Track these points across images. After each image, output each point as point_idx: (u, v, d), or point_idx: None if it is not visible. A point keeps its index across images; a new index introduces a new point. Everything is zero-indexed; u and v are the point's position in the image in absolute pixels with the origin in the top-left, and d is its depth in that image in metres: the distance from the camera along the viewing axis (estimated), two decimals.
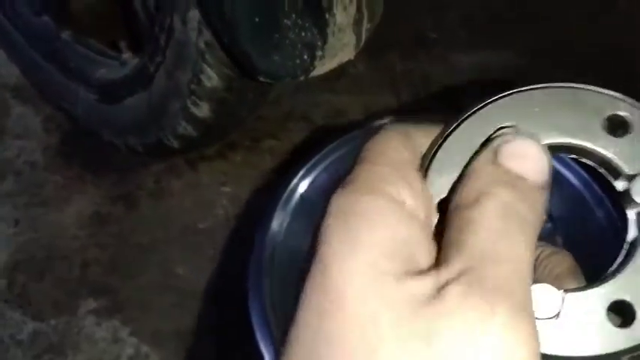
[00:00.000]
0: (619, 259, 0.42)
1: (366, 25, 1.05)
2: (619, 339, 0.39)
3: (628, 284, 0.40)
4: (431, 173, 0.42)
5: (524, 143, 0.40)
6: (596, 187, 1.18)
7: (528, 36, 1.61)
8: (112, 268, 1.39)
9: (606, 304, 0.39)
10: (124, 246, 1.41)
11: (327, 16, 0.98)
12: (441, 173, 0.42)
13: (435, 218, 0.41)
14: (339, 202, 0.38)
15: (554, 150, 0.43)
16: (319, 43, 1.00)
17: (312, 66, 1.02)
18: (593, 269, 0.44)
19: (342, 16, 1.00)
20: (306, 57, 1.00)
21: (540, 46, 1.58)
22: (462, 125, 0.43)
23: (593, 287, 0.40)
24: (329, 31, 1.00)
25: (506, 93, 0.43)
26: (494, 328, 0.33)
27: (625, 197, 0.43)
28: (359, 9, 1.02)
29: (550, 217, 1.14)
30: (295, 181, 1.18)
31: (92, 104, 1.37)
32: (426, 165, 0.43)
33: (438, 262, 0.37)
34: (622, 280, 0.40)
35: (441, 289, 0.34)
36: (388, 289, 0.35)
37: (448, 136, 0.43)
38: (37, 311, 1.34)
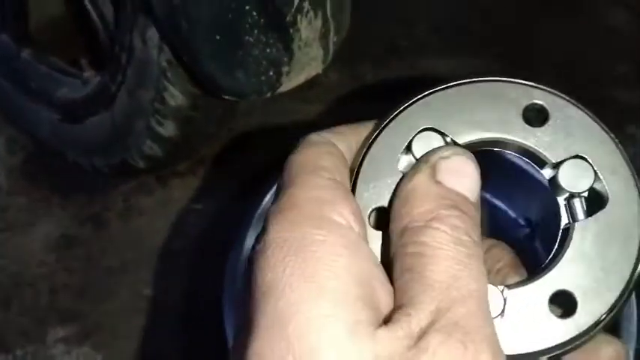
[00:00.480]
0: (555, 248, 0.42)
1: (333, 39, 1.03)
2: (564, 329, 0.39)
3: (565, 273, 0.40)
4: (359, 184, 0.42)
5: (460, 160, 0.40)
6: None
7: (497, 45, 1.61)
8: (82, 292, 1.35)
9: (547, 297, 0.39)
10: (93, 269, 1.37)
11: (291, 30, 0.95)
12: (368, 183, 0.42)
13: (366, 231, 0.40)
14: (283, 234, 0.36)
15: (477, 146, 0.42)
16: (285, 59, 0.98)
17: (278, 82, 0.99)
18: None
19: (307, 30, 0.98)
20: (271, 73, 0.97)
21: (510, 54, 1.59)
22: (384, 132, 0.43)
23: (533, 281, 0.40)
24: (294, 46, 0.97)
25: (423, 94, 0.43)
26: None
27: (553, 185, 0.43)
28: (325, 22, 0.99)
29: (528, 222, 1.12)
30: (269, 196, 1.15)
31: (55, 124, 1.33)
32: (353, 177, 0.42)
33: (400, 298, 0.36)
34: (559, 270, 0.40)
35: (418, 339, 0.33)
36: (365, 346, 0.33)
37: (371, 144, 0.42)
38: (1, 341, 1.29)
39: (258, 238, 0.38)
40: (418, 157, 0.42)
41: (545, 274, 0.40)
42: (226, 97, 0.97)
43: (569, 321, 0.39)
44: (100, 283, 1.35)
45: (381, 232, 0.41)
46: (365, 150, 0.43)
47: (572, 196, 0.42)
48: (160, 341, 1.30)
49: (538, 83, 0.43)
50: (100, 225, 1.42)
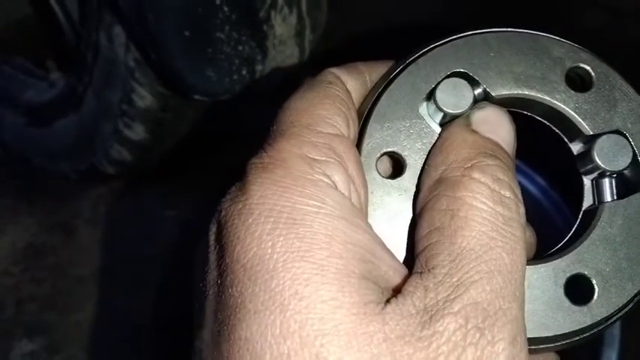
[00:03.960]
0: (574, 229, 0.38)
1: (309, 36, 0.99)
2: (578, 317, 0.36)
3: (586, 257, 0.36)
4: (371, 122, 0.37)
5: (496, 111, 0.37)
6: (553, 193, 1.16)
7: None
8: (49, 304, 1.29)
9: (564, 279, 0.36)
10: (61, 279, 1.32)
11: (265, 27, 0.91)
12: (383, 123, 0.37)
13: (373, 177, 0.36)
14: (268, 200, 0.32)
15: (509, 104, 0.38)
16: (259, 57, 0.94)
17: (251, 81, 0.95)
18: None
19: (281, 28, 0.94)
20: (244, 72, 0.93)
21: None
22: (407, 70, 0.38)
23: (549, 260, 0.36)
24: (268, 43, 0.94)
25: (457, 35, 0.39)
26: None
27: (582, 161, 0.39)
28: (300, 19, 0.96)
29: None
30: None
31: (20, 129, 1.28)
32: (366, 113, 0.38)
33: (422, 263, 0.32)
34: (580, 252, 0.36)
35: (432, 316, 0.30)
36: (374, 328, 0.30)
37: (391, 81, 0.38)
38: None
39: (234, 194, 0.33)
40: (442, 104, 0.37)
41: (564, 255, 0.37)
42: (197, 97, 0.92)
43: (584, 309, 0.36)
44: (69, 293, 1.30)
45: (390, 181, 0.37)
46: (383, 87, 0.38)
47: (601, 174, 0.38)
48: (133, 353, 1.25)
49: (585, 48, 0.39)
50: (68, 233, 1.37)
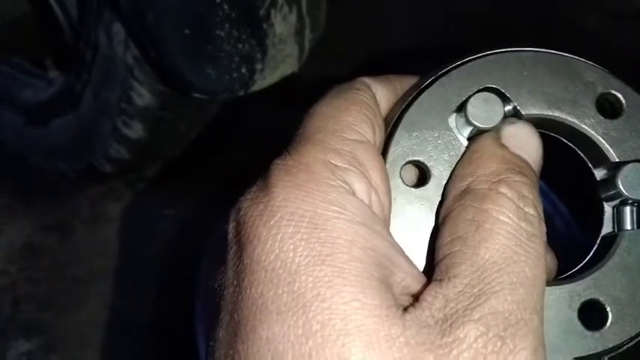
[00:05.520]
0: (591, 254, 0.38)
1: (309, 35, 0.99)
2: (589, 342, 0.36)
3: (602, 283, 0.36)
4: (399, 130, 0.37)
5: (527, 128, 0.37)
6: (563, 207, 1.16)
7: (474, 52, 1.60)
8: (46, 304, 1.29)
9: (578, 304, 0.36)
10: (58, 279, 1.31)
11: (265, 25, 0.91)
12: (411, 131, 0.37)
13: (396, 184, 0.36)
14: (291, 203, 0.32)
15: (536, 124, 0.38)
16: (258, 55, 0.93)
17: (251, 80, 0.95)
18: None
19: (281, 26, 0.94)
20: (244, 70, 0.93)
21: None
22: (440, 80, 0.38)
23: (565, 283, 0.36)
24: (268, 42, 0.93)
25: (492, 51, 0.39)
26: None
27: (605, 187, 0.39)
28: (300, 18, 0.95)
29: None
30: None
31: (18, 128, 1.27)
32: (394, 120, 0.38)
33: (443, 271, 0.32)
34: (596, 278, 0.36)
35: (452, 325, 0.30)
36: (395, 332, 0.30)
37: (422, 91, 0.38)
38: None
39: (255, 194, 0.33)
40: (472, 117, 0.37)
41: (581, 279, 0.37)
42: (196, 95, 0.92)
43: (596, 334, 0.36)
44: (66, 293, 1.30)
45: (414, 190, 0.37)
46: (413, 96, 0.38)
47: (623, 202, 0.38)
48: (130, 353, 1.25)
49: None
50: (65, 232, 1.36)
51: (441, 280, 0.32)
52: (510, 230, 0.33)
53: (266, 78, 0.98)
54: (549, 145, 0.40)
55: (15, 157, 1.35)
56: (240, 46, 0.89)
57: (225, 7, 0.85)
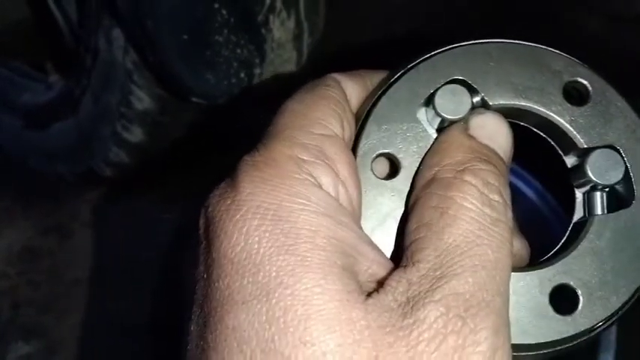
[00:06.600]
0: (563, 240, 0.39)
1: (307, 40, 1.00)
2: (561, 327, 0.36)
3: (572, 268, 0.37)
4: (369, 123, 0.38)
5: (495, 118, 0.38)
6: (550, 197, 1.16)
7: None
8: (46, 306, 1.29)
9: (549, 289, 0.37)
10: (57, 282, 1.32)
11: (263, 31, 0.91)
12: (380, 125, 0.38)
13: (368, 177, 0.37)
14: (256, 197, 0.33)
15: (505, 114, 0.39)
16: (257, 60, 0.94)
17: (250, 84, 0.95)
18: None
19: (280, 31, 0.94)
20: (242, 75, 0.93)
21: None
22: (409, 73, 0.39)
23: (535, 269, 0.37)
24: (267, 47, 0.94)
25: (459, 44, 0.39)
26: (477, 356, 0.30)
27: (575, 174, 0.39)
28: (298, 23, 0.96)
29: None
30: None
31: (17, 131, 1.28)
32: (364, 114, 0.38)
33: (410, 256, 0.33)
34: (567, 263, 0.37)
35: (414, 307, 0.31)
36: (357, 316, 0.30)
37: (391, 85, 0.38)
38: None
39: (223, 190, 0.34)
40: (440, 109, 0.38)
41: (551, 264, 0.37)
42: (195, 99, 0.93)
43: (567, 319, 0.36)
44: (66, 296, 1.30)
45: (384, 182, 0.37)
46: (383, 90, 0.39)
47: (593, 188, 0.39)
48: (129, 356, 1.25)
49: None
50: (64, 236, 1.36)
51: (405, 266, 0.33)
52: (474, 216, 0.33)
53: (265, 82, 0.98)
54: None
55: (14, 160, 1.36)
56: (238, 51, 0.90)
57: (224, 12, 0.85)
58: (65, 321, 1.28)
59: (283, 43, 0.96)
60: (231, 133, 1.48)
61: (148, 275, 1.32)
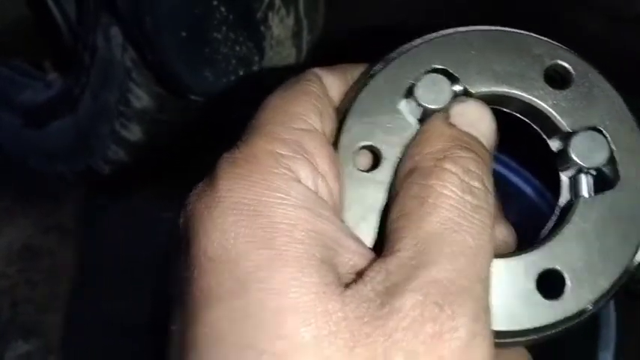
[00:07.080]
0: (549, 225, 0.39)
1: (306, 37, 0.99)
2: (549, 311, 0.36)
3: (559, 252, 0.37)
4: (350, 116, 0.38)
5: (477, 104, 0.37)
6: (548, 194, 1.16)
7: None
8: (45, 306, 1.29)
9: (535, 274, 0.36)
10: (57, 281, 1.32)
11: (262, 28, 0.91)
12: (361, 117, 0.38)
13: (350, 171, 0.37)
14: (234, 193, 0.33)
15: (489, 100, 0.39)
16: (256, 58, 0.94)
17: (248, 82, 0.95)
18: None
19: (279, 28, 0.94)
20: (241, 73, 0.93)
21: None
22: (389, 65, 0.39)
23: (522, 254, 0.37)
24: (266, 44, 0.94)
25: (439, 33, 0.39)
26: (455, 342, 0.30)
27: (560, 157, 0.39)
28: (297, 20, 0.96)
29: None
30: None
31: (17, 129, 1.27)
32: (345, 108, 0.38)
33: (390, 246, 0.33)
34: (552, 247, 0.37)
35: (392, 296, 0.30)
36: (333, 307, 0.30)
37: (371, 77, 0.38)
38: None
39: (202, 188, 0.34)
40: (421, 99, 0.37)
41: (537, 249, 0.37)
42: (193, 97, 0.92)
43: (555, 303, 0.36)
44: (65, 295, 1.30)
45: (366, 174, 0.37)
46: (363, 82, 0.38)
47: (579, 170, 0.39)
48: (129, 355, 1.25)
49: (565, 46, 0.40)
50: (64, 234, 1.36)
51: (384, 256, 0.32)
52: (453, 203, 0.33)
53: (263, 80, 0.98)
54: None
55: (14, 159, 1.36)
56: (237, 48, 0.90)
57: (223, 9, 0.85)
58: (64, 320, 1.28)
59: (282, 40, 0.95)
60: (228, 132, 1.48)
61: (147, 274, 1.32)
